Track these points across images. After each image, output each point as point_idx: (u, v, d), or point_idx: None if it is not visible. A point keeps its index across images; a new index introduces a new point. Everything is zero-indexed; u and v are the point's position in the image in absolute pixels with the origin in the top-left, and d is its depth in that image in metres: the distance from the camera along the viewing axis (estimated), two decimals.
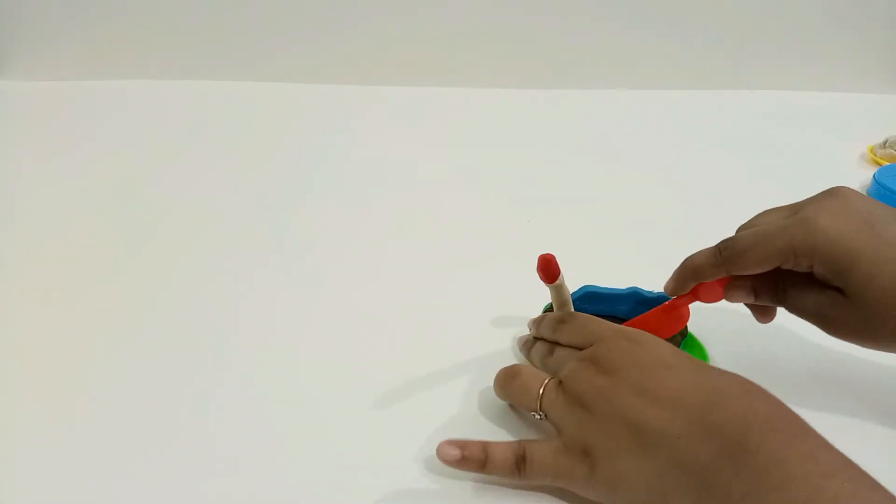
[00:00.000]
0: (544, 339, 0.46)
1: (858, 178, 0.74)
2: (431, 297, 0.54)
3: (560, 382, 0.40)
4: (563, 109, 0.89)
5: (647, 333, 0.40)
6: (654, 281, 0.49)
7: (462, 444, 0.38)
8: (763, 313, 0.45)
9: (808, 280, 0.41)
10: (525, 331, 0.51)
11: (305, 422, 0.43)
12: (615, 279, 0.49)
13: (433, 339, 0.50)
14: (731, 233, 0.64)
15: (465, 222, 0.64)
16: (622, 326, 0.42)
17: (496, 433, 0.42)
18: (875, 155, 0.78)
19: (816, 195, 0.42)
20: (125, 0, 0.86)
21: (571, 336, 0.43)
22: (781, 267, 0.40)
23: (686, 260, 0.45)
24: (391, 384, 0.46)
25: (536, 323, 0.47)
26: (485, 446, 0.38)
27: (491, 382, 0.46)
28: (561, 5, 0.91)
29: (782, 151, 0.81)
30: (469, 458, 0.38)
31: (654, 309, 0.46)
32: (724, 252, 0.42)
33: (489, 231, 0.63)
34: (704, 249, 0.44)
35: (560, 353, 0.43)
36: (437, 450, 0.38)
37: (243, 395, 0.45)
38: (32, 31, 0.86)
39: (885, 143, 0.78)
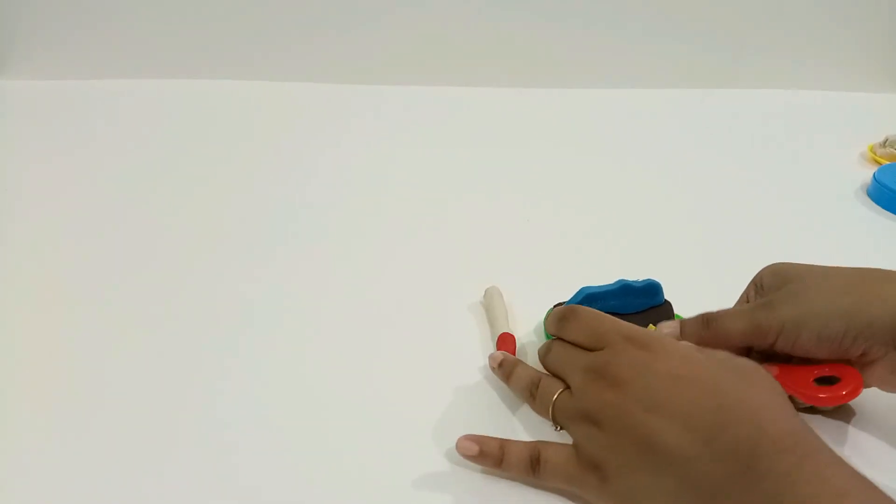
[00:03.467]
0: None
1: (858, 177, 0.74)
2: (431, 296, 0.54)
3: (571, 395, 0.39)
4: (563, 109, 0.89)
5: (657, 335, 0.39)
6: (657, 278, 0.49)
7: (480, 440, 0.40)
8: None
9: None
10: (526, 330, 0.51)
11: (314, 422, 0.43)
12: (615, 277, 0.49)
13: (434, 338, 0.50)
14: (731, 232, 0.64)
15: (465, 220, 0.64)
16: (631, 328, 0.40)
17: (504, 432, 0.42)
18: (875, 154, 0.78)
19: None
20: None
21: (576, 334, 0.42)
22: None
23: None
24: (393, 384, 0.46)
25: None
26: (502, 444, 0.39)
27: (492, 382, 0.46)
28: (561, 5, 0.91)
29: (782, 150, 0.81)
30: (486, 454, 0.39)
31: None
32: None
33: (489, 229, 0.63)
34: None
35: (559, 349, 0.42)
36: (457, 444, 0.40)
37: (249, 393, 0.45)
38: (32, 30, 0.86)
39: (885, 141, 0.78)
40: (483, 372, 0.47)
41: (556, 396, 0.40)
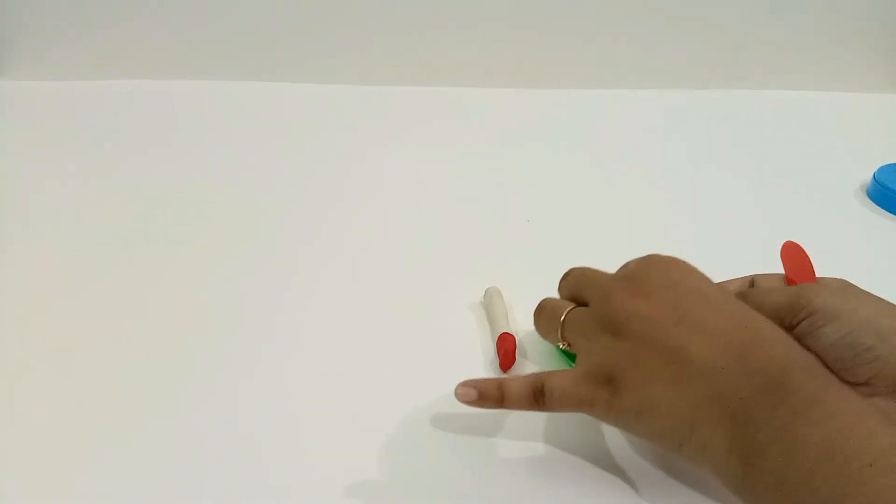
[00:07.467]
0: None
1: (858, 177, 0.74)
2: (431, 296, 0.54)
3: (587, 308, 0.39)
4: (563, 109, 0.89)
5: (680, 260, 0.39)
6: None
7: (477, 384, 0.39)
8: None
9: None
10: (526, 330, 0.51)
11: (313, 423, 0.43)
12: None
13: (434, 339, 0.50)
14: (731, 231, 0.64)
15: (465, 220, 0.64)
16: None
17: (507, 430, 0.43)
18: None
19: None
20: None
21: (590, 289, 0.41)
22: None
23: None
24: (392, 384, 0.46)
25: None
26: (500, 383, 0.39)
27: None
28: (560, 5, 0.91)
29: (782, 150, 0.81)
30: (486, 396, 0.39)
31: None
32: None
33: (489, 229, 0.63)
34: None
35: (578, 271, 0.43)
36: (455, 392, 0.39)
37: (246, 395, 0.45)
38: (33, 30, 0.86)
39: None
40: (483, 372, 0.47)
41: (567, 310, 0.40)
